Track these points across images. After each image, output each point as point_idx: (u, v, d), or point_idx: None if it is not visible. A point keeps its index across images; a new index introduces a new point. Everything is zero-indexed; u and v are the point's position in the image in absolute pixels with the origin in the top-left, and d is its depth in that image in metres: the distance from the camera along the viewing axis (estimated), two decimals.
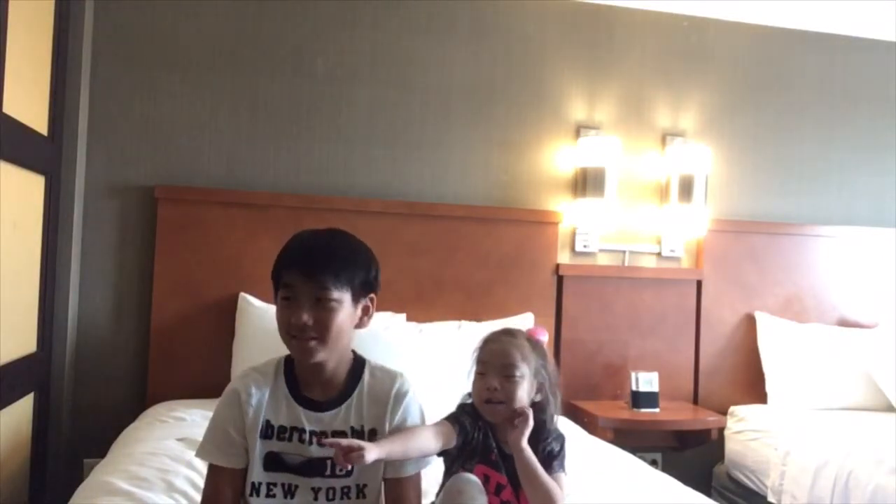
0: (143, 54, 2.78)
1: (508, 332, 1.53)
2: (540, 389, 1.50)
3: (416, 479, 1.40)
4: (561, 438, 1.51)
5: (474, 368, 1.51)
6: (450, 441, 1.42)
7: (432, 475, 1.52)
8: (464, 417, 1.47)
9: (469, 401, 1.52)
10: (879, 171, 3.47)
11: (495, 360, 1.47)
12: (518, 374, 1.45)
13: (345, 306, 1.33)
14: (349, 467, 1.32)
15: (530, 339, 1.53)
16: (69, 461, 2.62)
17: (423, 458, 1.40)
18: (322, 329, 1.30)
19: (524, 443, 1.41)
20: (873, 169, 3.47)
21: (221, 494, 1.33)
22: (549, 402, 1.51)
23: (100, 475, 1.82)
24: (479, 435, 1.46)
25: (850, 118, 3.45)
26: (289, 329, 1.31)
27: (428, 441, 1.37)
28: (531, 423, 1.42)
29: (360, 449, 1.22)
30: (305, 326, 1.29)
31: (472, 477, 1.37)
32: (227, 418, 1.34)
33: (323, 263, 1.31)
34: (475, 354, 1.52)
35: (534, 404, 1.49)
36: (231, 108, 2.85)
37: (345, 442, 1.24)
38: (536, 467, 1.42)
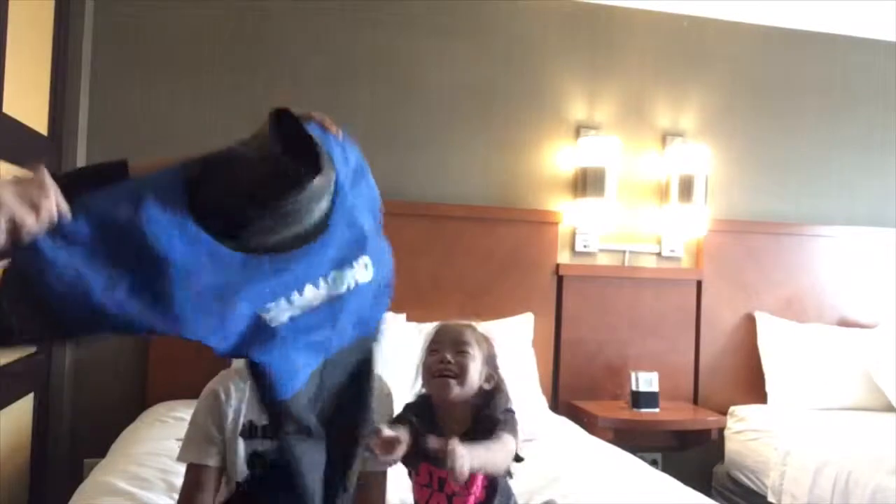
0: (143, 54, 2.78)
1: (460, 322, 1.55)
2: (489, 379, 1.49)
3: (382, 476, 1.43)
4: (510, 411, 1.46)
5: (425, 354, 1.50)
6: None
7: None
8: (409, 416, 1.46)
9: (412, 400, 1.51)
10: (879, 171, 3.47)
11: (447, 338, 1.48)
12: (470, 350, 1.46)
13: None
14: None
15: (482, 333, 1.54)
16: (69, 461, 2.62)
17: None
18: None
19: (467, 466, 1.26)
20: (873, 169, 3.47)
21: (205, 492, 1.33)
22: (500, 392, 1.49)
23: (100, 475, 1.82)
24: (422, 434, 1.44)
25: (850, 118, 3.44)
26: None
27: None
28: (461, 454, 1.25)
29: (454, 451, 1.21)
30: None
31: None
32: (208, 418, 1.35)
33: None
34: (426, 340, 1.51)
35: (484, 393, 1.48)
36: (231, 108, 2.84)
37: (436, 442, 1.25)
38: (485, 456, 1.34)
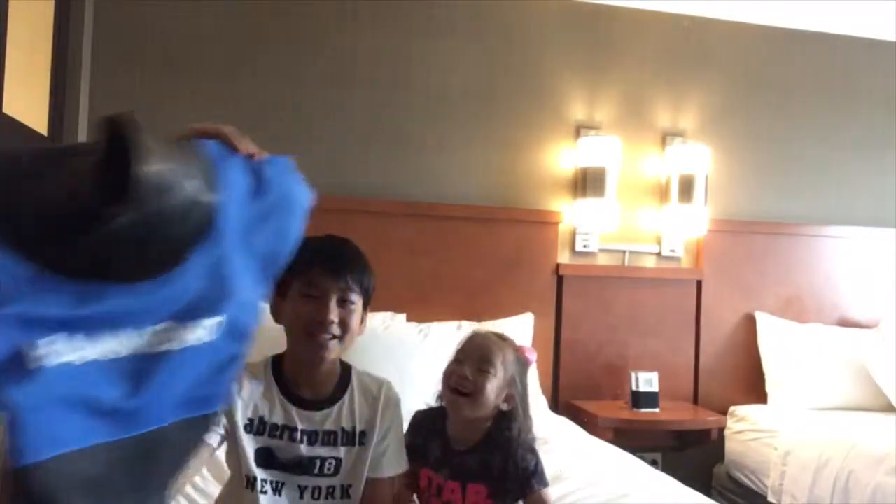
0: (143, 54, 2.78)
1: (498, 335, 1.54)
2: (508, 399, 1.47)
3: (391, 481, 1.41)
4: (534, 451, 1.48)
5: (451, 359, 1.52)
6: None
7: None
8: (412, 437, 1.48)
9: (427, 408, 1.54)
10: (879, 171, 3.47)
11: (474, 353, 1.47)
12: (492, 370, 1.45)
13: (359, 309, 1.36)
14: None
15: (517, 350, 1.53)
16: None
17: (401, 460, 1.41)
18: (344, 328, 1.33)
19: None
20: (873, 169, 3.46)
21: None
22: (518, 415, 1.48)
23: None
24: (421, 440, 1.48)
25: (850, 118, 3.44)
26: (310, 326, 1.32)
27: None
28: None
29: None
30: (332, 324, 1.31)
31: None
32: None
33: (351, 265, 1.35)
34: (457, 346, 1.53)
35: (500, 413, 1.47)
36: (231, 108, 2.84)
37: None
38: None
